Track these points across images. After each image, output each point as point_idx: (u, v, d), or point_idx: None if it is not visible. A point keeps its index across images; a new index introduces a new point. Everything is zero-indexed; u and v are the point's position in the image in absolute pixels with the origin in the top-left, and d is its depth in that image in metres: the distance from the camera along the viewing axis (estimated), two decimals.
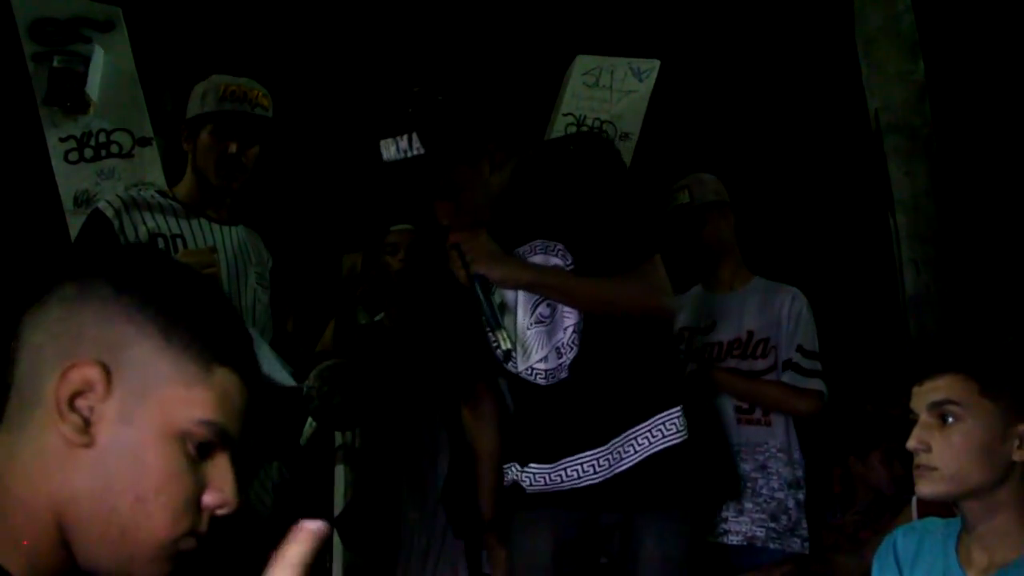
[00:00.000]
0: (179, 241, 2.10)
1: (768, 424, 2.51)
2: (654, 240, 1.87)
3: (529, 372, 1.88)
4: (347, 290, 2.61)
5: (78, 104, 2.57)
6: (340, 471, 2.89)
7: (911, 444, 1.41)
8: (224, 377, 0.79)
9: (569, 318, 1.85)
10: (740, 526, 2.46)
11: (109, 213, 2.09)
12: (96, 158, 2.59)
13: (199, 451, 0.77)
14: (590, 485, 1.82)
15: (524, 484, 1.90)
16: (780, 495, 2.47)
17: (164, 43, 3.31)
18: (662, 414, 1.81)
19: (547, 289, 1.83)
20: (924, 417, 1.41)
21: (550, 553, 1.87)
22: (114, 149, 2.61)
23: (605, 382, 1.83)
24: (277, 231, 2.37)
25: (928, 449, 1.39)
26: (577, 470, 1.83)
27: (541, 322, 1.87)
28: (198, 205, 2.21)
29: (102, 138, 2.59)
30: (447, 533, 2.53)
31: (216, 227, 2.21)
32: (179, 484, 0.76)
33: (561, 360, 1.85)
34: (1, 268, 2.85)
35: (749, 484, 2.48)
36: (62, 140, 2.58)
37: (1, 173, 3.47)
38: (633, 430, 1.81)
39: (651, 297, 1.83)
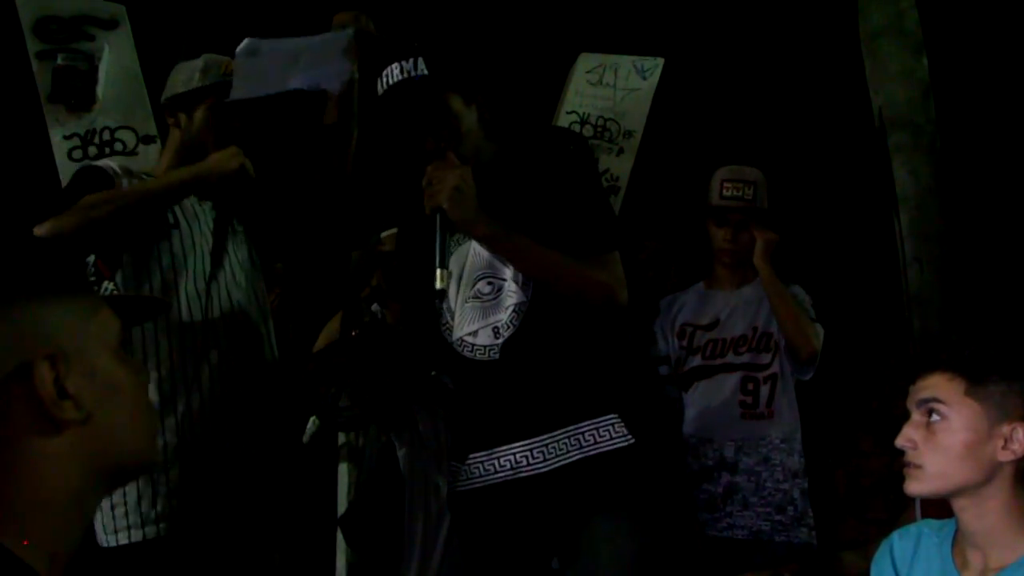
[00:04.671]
0: (169, 212, 2.05)
1: (770, 416, 2.52)
2: (618, 236, 1.88)
3: (460, 344, 1.87)
4: (355, 286, 2.62)
5: (82, 102, 2.57)
6: (343, 470, 2.89)
7: (899, 441, 1.43)
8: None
9: (511, 297, 1.83)
10: (745, 520, 2.46)
11: (100, 164, 2.04)
12: (100, 156, 2.58)
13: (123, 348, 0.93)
14: (527, 477, 1.78)
15: (463, 480, 1.86)
16: (785, 486, 2.48)
17: (168, 41, 3.31)
18: (609, 416, 1.78)
19: (505, 247, 1.80)
20: (914, 415, 1.44)
21: (499, 560, 1.84)
22: (118, 147, 2.61)
23: (541, 369, 1.80)
24: (281, 234, 2.34)
25: (915, 447, 1.42)
26: (510, 460, 1.80)
27: (478, 298, 1.86)
28: None
29: (106, 136, 2.59)
30: (452, 534, 2.53)
31: (198, 203, 2.15)
32: (142, 386, 0.95)
33: (498, 340, 1.83)
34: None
35: (753, 478, 2.49)
36: (66, 138, 2.57)
37: (5, 171, 3.47)
38: (576, 426, 1.77)
39: (609, 285, 1.82)
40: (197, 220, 2.11)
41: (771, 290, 2.49)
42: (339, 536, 2.82)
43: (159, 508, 1.93)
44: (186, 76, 2.17)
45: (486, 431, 1.84)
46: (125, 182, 2.03)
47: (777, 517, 2.46)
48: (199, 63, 2.17)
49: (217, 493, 2.00)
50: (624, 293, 1.84)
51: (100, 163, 2.09)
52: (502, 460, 1.81)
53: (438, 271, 1.76)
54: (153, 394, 1.95)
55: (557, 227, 1.81)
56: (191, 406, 1.99)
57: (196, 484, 1.98)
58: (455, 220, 1.77)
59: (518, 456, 1.80)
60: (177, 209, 2.08)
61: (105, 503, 1.91)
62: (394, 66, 1.83)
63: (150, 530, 1.92)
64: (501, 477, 1.82)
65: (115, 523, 1.92)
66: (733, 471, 2.50)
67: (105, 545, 1.93)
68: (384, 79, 1.85)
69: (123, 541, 1.92)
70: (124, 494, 1.92)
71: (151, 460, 0.99)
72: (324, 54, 2.04)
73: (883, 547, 1.55)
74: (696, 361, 2.62)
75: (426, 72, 1.82)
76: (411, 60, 1.82)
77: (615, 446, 1.76)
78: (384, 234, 2.94)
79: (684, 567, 2.46)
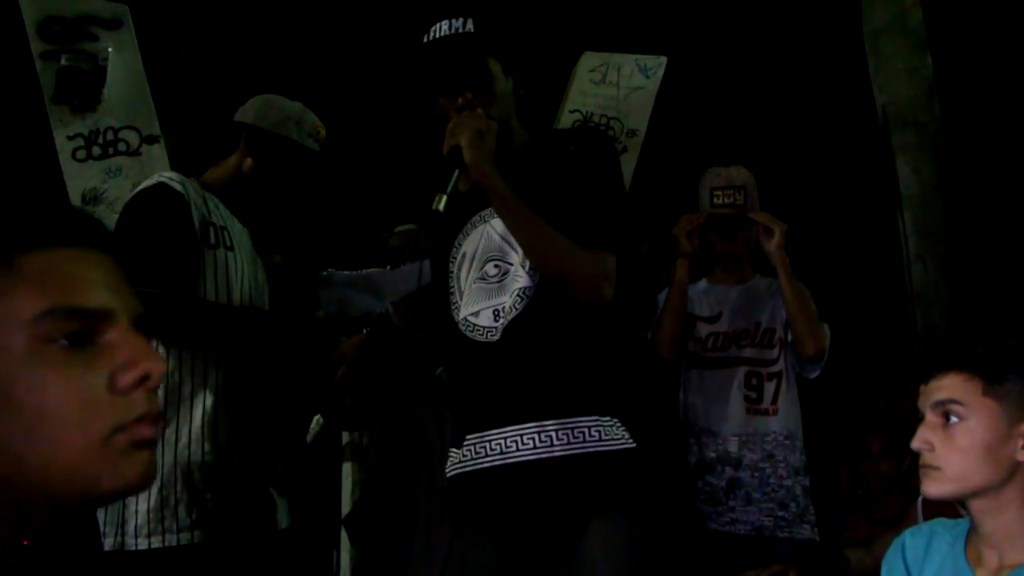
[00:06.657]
0: (225, 233, 2.05)
1: (775, 413, 2.53)
2: (623, 240, 1.85)
3: (464, 324, 1.87)
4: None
5: (86, 102, 2.58)
6: (347, 469, 2.89)
7: (915, 444, 1.40)
8: (40, 261, 0.71)
9: (518, 281, 1.83)
10: (748, 516, 2.46)
11: (177, 188, 1.96)
12: (104, 156, 2.59)
13: (73, 341, 0.70)
14: (515, 464, 1.76)
15: (456, 464, 1.85)
16: (788, 482, 2.49)
17: (171, 41, 3.32)
18: (606, 418, 1.76)
19: (507, 206, 1.79)
20: (929, 416, 1.41)
21: (494, 561, 1.82)
22: (122, 147, 2.62)
23: (540, 355, 1.78)
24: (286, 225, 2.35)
25: (932, 449, 1.39)
26: (500, 444, 1.78)
27: (484, 279, 1.87)
28: (232, 202, 2.12)
29: (110, 136, 2.60)
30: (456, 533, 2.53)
31: (232, 218, 2.13)
32: (61, 389, 0.69)
33: (496, 322, 1.83)
34: None
35: (756, 474, 2.49)
36: (70, 138, 2.58)
37: (10, 171, 3.48)
38: (571, 420, 1.76)
39: (595, 277, 1.78)
40: (242, 239, 2.12)
41: (788, 284, 2.49)
42: (343, 535, 2.83)
43: (195, 515, 1.91)
44: (280, 117, 2.13)
45: (480, 413, 1.83)
46: (184, 194, 1.97)
47: (780, 513, 2.46)
48: (297, 110, 2.14)
49: (252, 502, 2.02)
50: (609, 291, 1.80)
51: (168, 181, 1.98)
52: (493, 444, 1.79)
53: (439, 194, 1.72)
54: (209, 403, 1.96)
55: (562, 214, 1.79)
56: (236, 418, 2.01)
57: (236, 493, 1.98)
58: (468, 162, 1.75)
59: (508, 441, 1.78)
60: (230, 232, 2.07)
61: (133, 504, 1.89)
62: (443, 22, 1.87)
63: (184, 536, 1.89)
64: (490, 462, 1.80)
65: (149, 526, 1.88)
66: (737, 466, 2.51)
67: (132, 548, 1.88)
68: (431, 32, 1.88)
69: (156, 545, 1.88)
70: (160, 497, 1.90)
71: (98, 492, 0.71)
72: (398, 282, 2.08)
73: (895, 545, 1.54)
74: (692, 348, 2.63)
75: (473, 31, 1.85)
76: (461, 19, 1.87)
77: (614, 447, 1.75)
78: (397, 229, 2.95)
79: (686, 563, 2.46)
